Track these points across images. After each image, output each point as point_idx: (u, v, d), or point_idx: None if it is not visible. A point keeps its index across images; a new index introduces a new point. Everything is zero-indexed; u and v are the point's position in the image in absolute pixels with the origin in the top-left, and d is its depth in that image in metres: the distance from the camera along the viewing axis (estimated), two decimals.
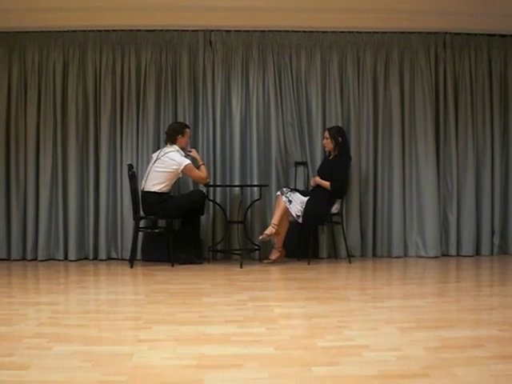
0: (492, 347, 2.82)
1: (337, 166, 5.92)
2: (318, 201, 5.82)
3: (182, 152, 5.84)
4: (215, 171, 6.32)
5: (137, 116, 6.28)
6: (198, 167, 5.87)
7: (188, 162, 5.74)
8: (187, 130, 5.92)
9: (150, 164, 5.87)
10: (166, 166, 5.71)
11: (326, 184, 5.86)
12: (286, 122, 6.36)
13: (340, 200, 5.95)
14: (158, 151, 5.91)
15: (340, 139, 5.95)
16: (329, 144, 6.00)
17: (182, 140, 5.86)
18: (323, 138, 6.10)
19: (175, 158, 5.72)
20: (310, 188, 6.12)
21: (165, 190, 5.76)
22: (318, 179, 5.96)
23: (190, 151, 6.01)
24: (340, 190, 5.88)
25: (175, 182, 5.94)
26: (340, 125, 6.25)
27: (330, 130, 6.04)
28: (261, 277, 5.24)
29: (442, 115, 6.45)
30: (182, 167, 5.69)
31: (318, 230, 6.25)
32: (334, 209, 5.93)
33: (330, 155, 6.11)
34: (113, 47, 6.27)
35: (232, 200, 6.30)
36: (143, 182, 5.84)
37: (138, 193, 5.83)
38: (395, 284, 4.93)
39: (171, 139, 5.85)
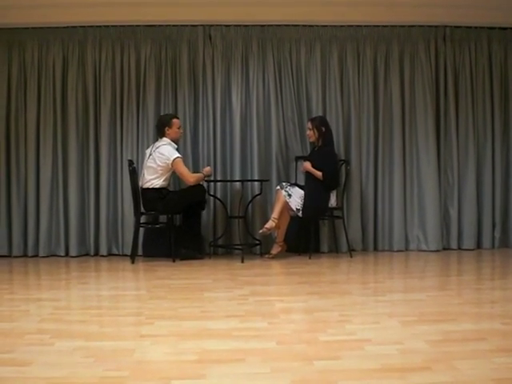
0: (494, 340, 2.82)
1: (324, 157, 5.85)
2: (314, 194, 5.79)
3: (173, 144, 5.81)
4: (216, 166, 6.31)
5: (137, 112, 6.27)
6: (198, 171, 5.89)
7: (177, 155, 5.71)
8: (174, 120, 5.84)
9: (145, 160, 5.86)
10: (157, 161, 5.70)
11: (319, 174, 5.81)
12: (286, 116, 6.35)
13: (335, 192, 5.93)
14: (151, 147, 5.89)
15: (323, 129, 5.89)
16: (312, 135, 5.94)
17: (171, 131, 5.81)
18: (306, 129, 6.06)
19: (165, 152, 5.70)
20: (302, 172, 6.04)
21: (163, 185, 5.76)
22: (309, 165, 5.87)
23: (205, 169, 5.95)
24: (332, 180, 5.83)
25: (171, 176, 5.92)
26: (340, 119, 6.24)
27: (312, 120, 5.98)
28: (262, 271, 5.23)
29: (443, 108, 6.44)
30: (170, 161, 5.68)
31: (318, 225, 6.25)
32: (333, 202, 5.91)
33: (315, 147, 6.07)
34: (112, 43, 6.26)
35: (233, 195, 6.30)
36: (140, 179, 5.84)
37: (139, 188, 5.82)
38: (397, 278, 4.92)
39: (160, 132, 5.84)
